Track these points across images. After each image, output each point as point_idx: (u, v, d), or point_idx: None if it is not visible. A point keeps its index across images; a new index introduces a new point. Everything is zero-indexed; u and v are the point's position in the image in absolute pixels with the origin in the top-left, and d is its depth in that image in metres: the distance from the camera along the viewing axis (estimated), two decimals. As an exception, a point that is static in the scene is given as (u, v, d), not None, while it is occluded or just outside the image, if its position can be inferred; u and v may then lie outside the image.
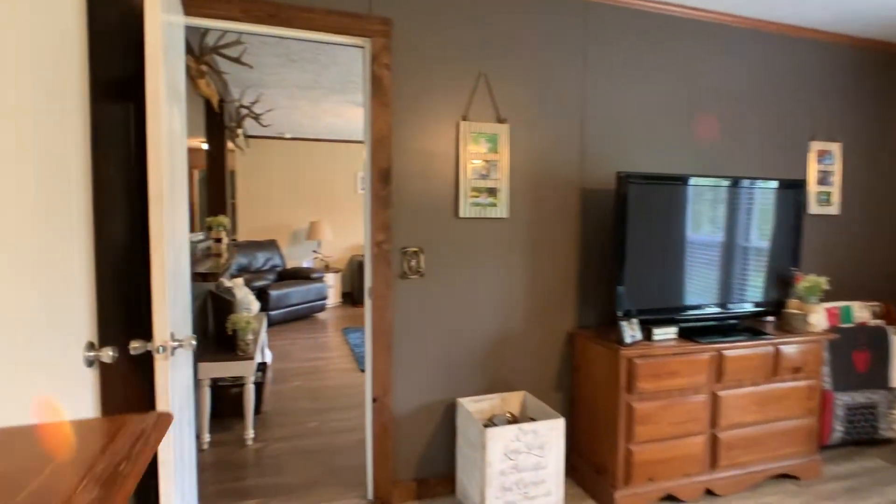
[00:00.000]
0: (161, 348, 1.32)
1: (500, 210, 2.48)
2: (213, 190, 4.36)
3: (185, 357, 1.60)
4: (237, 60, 2.64)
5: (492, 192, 2.47)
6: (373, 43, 2.21)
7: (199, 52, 2.36)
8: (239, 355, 2.91)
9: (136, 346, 1.34)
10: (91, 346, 1.30)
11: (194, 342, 1.44)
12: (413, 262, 2.33)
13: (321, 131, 6.91)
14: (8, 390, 0.87)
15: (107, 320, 1.38)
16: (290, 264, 7.51)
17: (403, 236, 2.33)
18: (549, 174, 2.57)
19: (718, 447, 2.40)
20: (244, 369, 2.87)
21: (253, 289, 5.65)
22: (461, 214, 2.40)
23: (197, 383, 2.84)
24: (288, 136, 7.20)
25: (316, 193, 7.74)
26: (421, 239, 2.36)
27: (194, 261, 3.40)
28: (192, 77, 2.33)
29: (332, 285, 7.15)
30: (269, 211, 7.55)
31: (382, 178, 2.27)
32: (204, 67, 2.34)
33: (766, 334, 2.49)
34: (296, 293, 6.03)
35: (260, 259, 6.44)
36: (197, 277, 2.57)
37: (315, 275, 6.46)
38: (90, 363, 1.29)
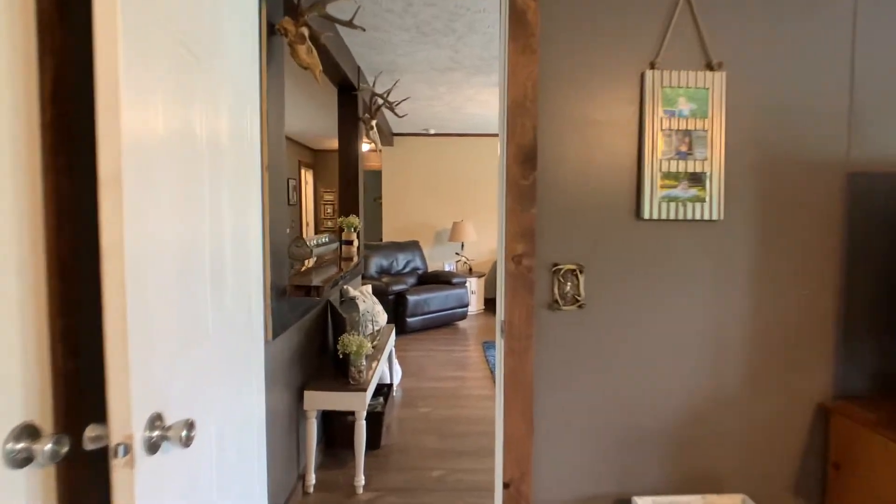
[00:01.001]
0: (121, 448, 0.76)
1: (710, 207, 1.58)
2: (345, 187, 4.03)
3: (200, 452, 1.03)
4: (349, 24, 2.13)
5: (696, 179, 1.58)
6: (512, -40, 1.49)
7: (297, 12, 1.87)
8: (350, 384, 2.42)
9: (93, 436, 0.80)
10: (27, 434, 0.80)
11: (193, 433, 0.86)
12: (568, 287, 1.56)
13: (464, 125, 6.40)
14: None
15: (78, 386, 0.87)
16: (432, 267, 7.15)
17: (554, 248, 1.58)
18: (791, 150, 1.59)
19: None
20: (354, 402, 2.37)
21: (391, 293, 5.31)
22: (645, 214, 1.56)
23: (302, 415, 2.41)
24: (432, 131, 6.83)
25: (459, 192, 7.27)
26: (580, 252, 1.58)
27: (318, 266, 3.02)
28: (291, 44, 1.84)
29: (475, 291, 6.61)
30: (412, 211, 7.27)
31: (523, 160, 1.54)
32: (304, 31, 1.84)
33: None
34: (435, 299, 5.58)
35: (401, 261, 6.14)
36: (298, 292, 2.11)
37: (456, 279, 5.95)
38: (21, 462, 0.78)
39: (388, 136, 6.64)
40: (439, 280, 5.98)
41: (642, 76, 1.57)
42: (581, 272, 1.56)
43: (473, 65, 3.83)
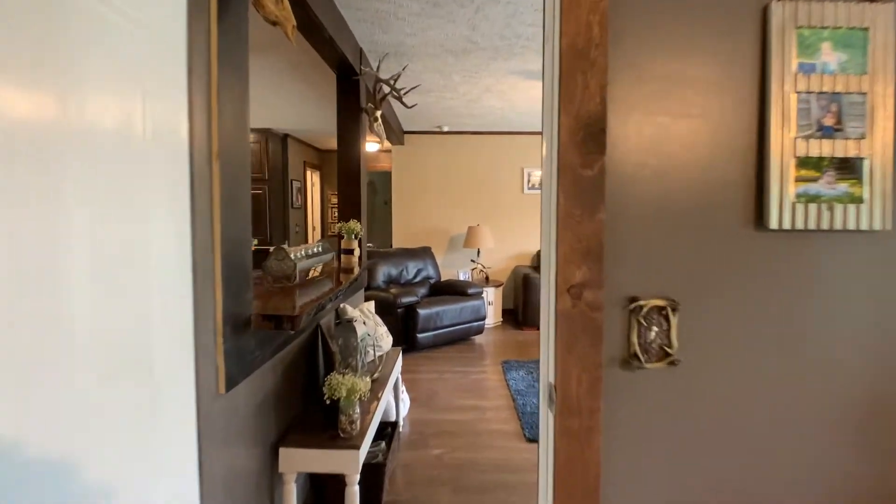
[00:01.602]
0: None
1: (870, 211, 1.03)
2: (345, 186, 3.53)
3: None
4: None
5: (847, 167, 1.03)
6: None
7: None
8: (340, 438, 1.90)
9: None
10: None
11: None
12: (653, 333, 1.02)
13: (481, 122, 5.88)
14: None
15: None
16: (445, 275, 6.62)
17: (631, 274, 1.03)
18: None
19: None
20: (344, 463, 1.84)
21: (400, 306, 4.80)
22: (772, 222, 1.02)
23: (277, 478, 1.89)
24: (446, 129, 6.31)
25: (475, 195, 6.73)
26: (671, 280, 1.04)
27: (310, 282, 2.50)
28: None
29: (492, 302, 6.06)
30: (425, 215, 6.75)
31: (585, 138, 1.00)
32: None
33: None
34: (449, 312, 5.05)
35: (411, 270, 5.62)
36: (266, 323, 1.59)
37: (472, 290, 5.41)
38: None
39: (398, 135, 6.14)
40: (453, 290, 5.45)
41: (765, 11, 1.02)
42: (673, 311, 1.02)
43: (492, 45, 3.30)
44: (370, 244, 11.90)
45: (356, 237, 3.33)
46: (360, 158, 3.53)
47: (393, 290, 5.01)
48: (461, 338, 5.29)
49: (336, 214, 8.79)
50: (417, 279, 5.65)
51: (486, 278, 6.37)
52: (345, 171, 3.49)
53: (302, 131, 6.89)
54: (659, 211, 1.03)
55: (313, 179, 8.59)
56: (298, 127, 6.56)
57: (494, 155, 6.68)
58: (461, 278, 6.23)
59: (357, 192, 3.50)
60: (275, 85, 4.59)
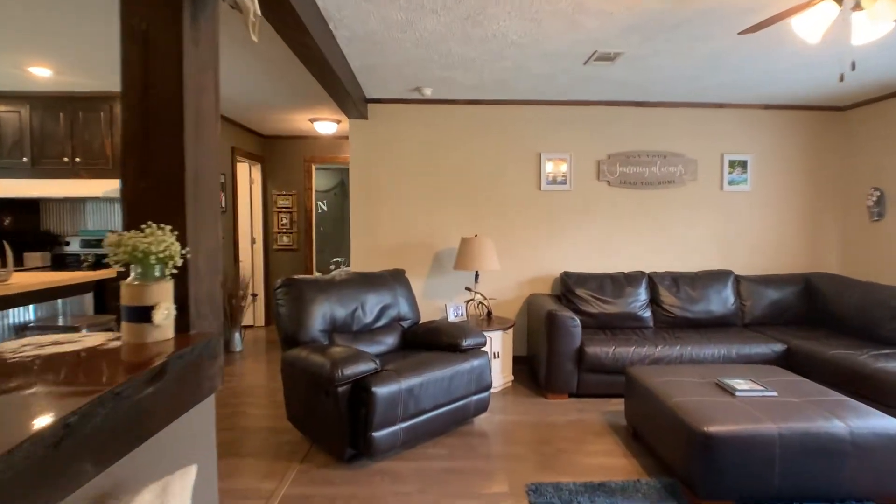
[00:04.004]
0: None
1: None
2: (140, 140, 1.40)
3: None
4: None
5: None
6: None
7: None
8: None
9: None
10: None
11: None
12: None
13: (482, 87, 3.83)
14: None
15: None
16: (427, 313, 4.50)
17: None
18: None
19: None
20: None
21: (343, 380, 2.67)
22: None
23: None
24: (428, 93, 4.22)
25: (472, 192, 4.65)
26: None
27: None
28: None
29: (499, 352, 3.95)
30: (397, 222, 4.64)
31: None
32: None
33: None
34: (431, 385, 2.93)
35: (371, 307, 3.48)
36: None
37: (470, 340, 3.29)
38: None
39: (357, 104, 4.04)
40: (439, 342, 3.33)
41: None
42: None
43: None
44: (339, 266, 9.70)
45: (166, 267, 1.19)
46: (200, 96, 1.42)
47: (334, 350, 2.87)
48: (451, 425, 3.16)
49: (284, 222, 6.63)
50: (381, 322, 3.51)
51: (488, 315, 4.26)
52: (141, 104, 1.37)
53: (229, 102, 4.77)
54: None
55: (253, 175, 6.44)
56: (226, 95, 4.45)
57: (501, 135, 4.61)
58: (451, 317, 4.11)
59: (179, 154, 1.37)
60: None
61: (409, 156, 4.59)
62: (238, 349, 5.37)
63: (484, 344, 3.41)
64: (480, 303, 4.31)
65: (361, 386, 2.69)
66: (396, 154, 4.58)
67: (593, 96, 4.42)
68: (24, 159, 4.43)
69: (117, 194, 4.41)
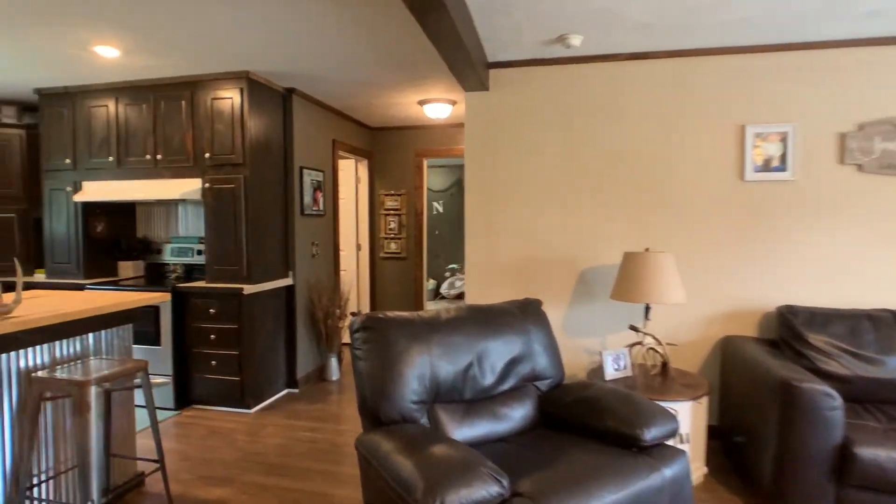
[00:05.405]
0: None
1: None
2: None
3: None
4: None
5: None
6: None
7: None
8: None
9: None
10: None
11: None
12: None
13: (655, 30, 2.48)
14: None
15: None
16: (567, 362, 3.25)
17: None
18: None
19: None
20: None
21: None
22: None
23: None
24: (575, 42, 2.94)
25: (635, 190, 3.28)
26: None
27: None
28: None
29: (686, 430, 2.56)
30: (524, 230, 3.43)
31: None
32: None
33: None
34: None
35: (490, 361, 2.28)
36: None
37: (653, 431, 1.96)
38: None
39: (475, 68, 2.90)
40: (598, 425, 2.06)
41: None
42: None
43: None
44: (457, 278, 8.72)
45: None
46: None
47: (432, 453, 1.75)
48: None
49: (392, 226, 5.75)
50: (506, 385, 2.31)
51: (664, 367, 2.87)
52: None
53: (328, 87, 3.95)
54: None
55: (359, 173, 5.65)
56: (322, 74, 3.60)
57: (680, 101, 3.19)
58: (609, 371, 2.80)
59: None
60: None
61: (543, 137, 3.35)
62: (335, 377, 4.55)
63: (676, 432, 2.07)
64: (652, 349, 2.94)
65: (476, 525, 1.53)
66: (526, 135, 3.37)
67: (837, 32, 2.81)
68: (110, 158, 3.97)
69: (198, 196, 3.76)
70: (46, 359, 2.19)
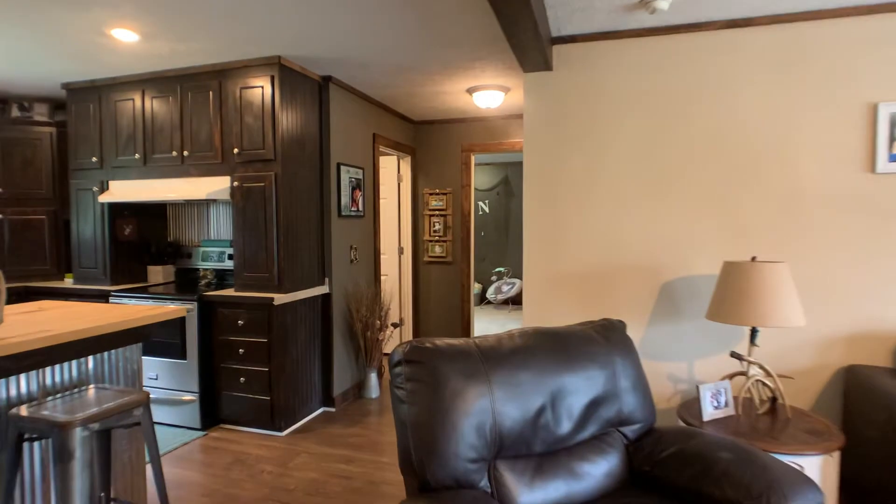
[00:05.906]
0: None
1: None
2: None
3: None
4: None
5: None
6: None
7: None
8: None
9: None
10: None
11: None
12: None
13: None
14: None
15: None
16: (661, 395, 2.71)
17: None
18: None
19: None
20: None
21: None
22: None
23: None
24: (664, 5, 2.40)
25: (733, 186, 2.70)
26: None
27: None
28: None
29: (815, 477, 1.98)
30: (593, 233, 2.92)
31: None
32: None
33: None
34: None
35: (567, 403, 1.82)
36: None
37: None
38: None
39: (537, 44, 2.41)
40: (705, 492, 1.55)
41: None
42: None
43: None
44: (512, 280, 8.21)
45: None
46: None
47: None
48: None
49: (437, 227, 5.31)
50: (586, 432, 1.83)
51: (773, 403, 2.30)
52: None
53: (369, 76, 3.55)
54: None
55: (403, 170, 5.25)
56: (363, 59, 3.21)
57: (790, 76, 2.60)
58: (708, 409, 2.25)
59: None
60: None
61: (617, 124, 2.83)
62: (374, 395, 4.15)
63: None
64: (759, 380, 2.37)
65: None
66: (597, 121, 2.86)
67: None
68: (136, 156, 3.70)
69: (226, 195, 3.43)
70: (35, 388, 1.86)
